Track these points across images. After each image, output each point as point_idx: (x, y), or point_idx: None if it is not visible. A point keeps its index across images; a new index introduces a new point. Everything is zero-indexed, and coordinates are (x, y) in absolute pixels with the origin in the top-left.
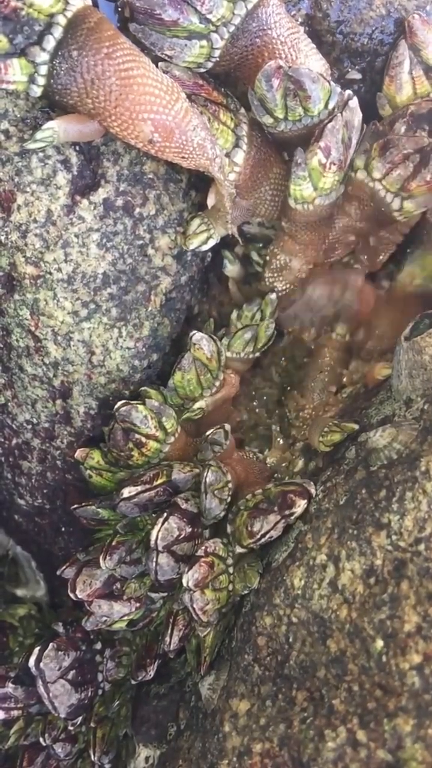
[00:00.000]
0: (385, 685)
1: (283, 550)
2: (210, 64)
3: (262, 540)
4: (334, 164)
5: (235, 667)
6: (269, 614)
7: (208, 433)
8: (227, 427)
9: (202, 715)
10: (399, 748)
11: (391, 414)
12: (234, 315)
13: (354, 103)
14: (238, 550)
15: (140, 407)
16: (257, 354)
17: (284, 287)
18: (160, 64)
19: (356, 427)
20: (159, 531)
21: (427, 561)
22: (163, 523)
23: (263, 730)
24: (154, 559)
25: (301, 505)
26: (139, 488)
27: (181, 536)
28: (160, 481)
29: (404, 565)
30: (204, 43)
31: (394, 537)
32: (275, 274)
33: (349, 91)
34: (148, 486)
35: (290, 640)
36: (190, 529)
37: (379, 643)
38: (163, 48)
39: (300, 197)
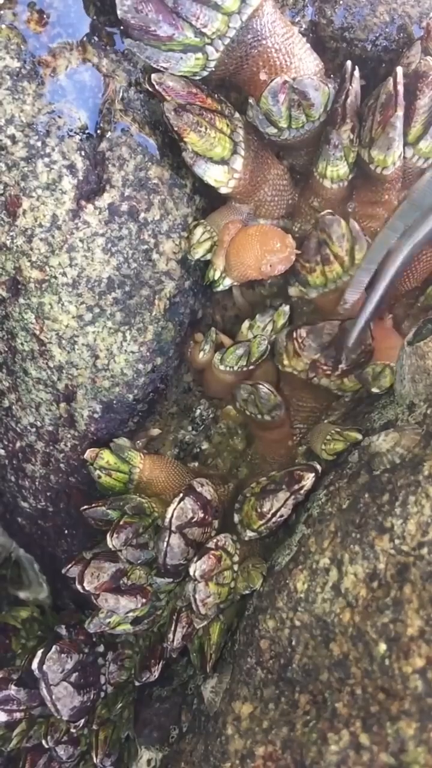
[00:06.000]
0: (388, 689)
1: (286, 553)
2: (205, 73)
3: (273, 520)
4: (359, 137)
5: (238, 670)
6: (272, 617)
7: None
8: None
9: (205, 718)
10: (402, 751)
11: (394, 418)
12: (245, 325)
13: (357, 72)
14: (249, 534)
15: None
16: (251, 367)
17: None
18: (154, 75)
19: (359, 436)
20: (175, 510)
21: (430, 565)
22: (179, 503)
23: (266, 733)
24: (167, 539)
25: (309, 478)
26: None
27: (194, 519)
28: None
29: (407, 569)
30: (199, 55)
31: (397, 541)
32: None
33: (349, 62)
34: None
35: (293, 643)
36: (202, 515)
37: (382, 647)
38: (158, 61)
39: (336, 177)
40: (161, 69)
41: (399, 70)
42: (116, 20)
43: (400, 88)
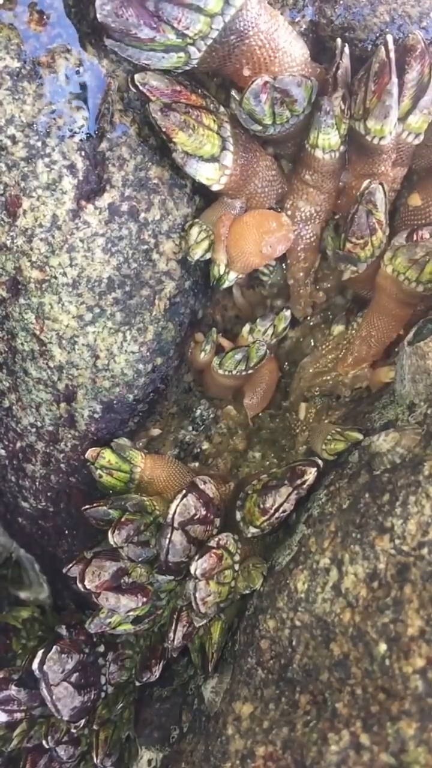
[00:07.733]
0: (388, 689)
1: (286, 553)
2: (188, 68)
3: (276, 516)
4: (350, 109)
5: (238, 670)
6: (272, 617)
7: None
8: None
9: (205, 718)
10: (402, 751)
11: (394, 418)
12: (246, 329)
13: (347, 49)
14: (251, 531)
15: None
16: (250, 371)
17: (311, 235)
18: (137, 75)
19: (360, 436)
20: (178, 506)
21: (431, 565)
22: (182, 499)
23: (266, 733)
24: (169, 536)
25: (311, 473)
26: None
27: (196, 516)
28: None
29: (407, 569)
30: (181, 54)
31: (397, 541)
32: (302, 225)
33: (339, 39)
34: None
35: (293, 643)
36: (204, 512)
37: (383, 647)
38: (140, 59)
39: (328, 146)
40: (143, 65)
41: (389, 37)
42: None
43: (392, 54)
